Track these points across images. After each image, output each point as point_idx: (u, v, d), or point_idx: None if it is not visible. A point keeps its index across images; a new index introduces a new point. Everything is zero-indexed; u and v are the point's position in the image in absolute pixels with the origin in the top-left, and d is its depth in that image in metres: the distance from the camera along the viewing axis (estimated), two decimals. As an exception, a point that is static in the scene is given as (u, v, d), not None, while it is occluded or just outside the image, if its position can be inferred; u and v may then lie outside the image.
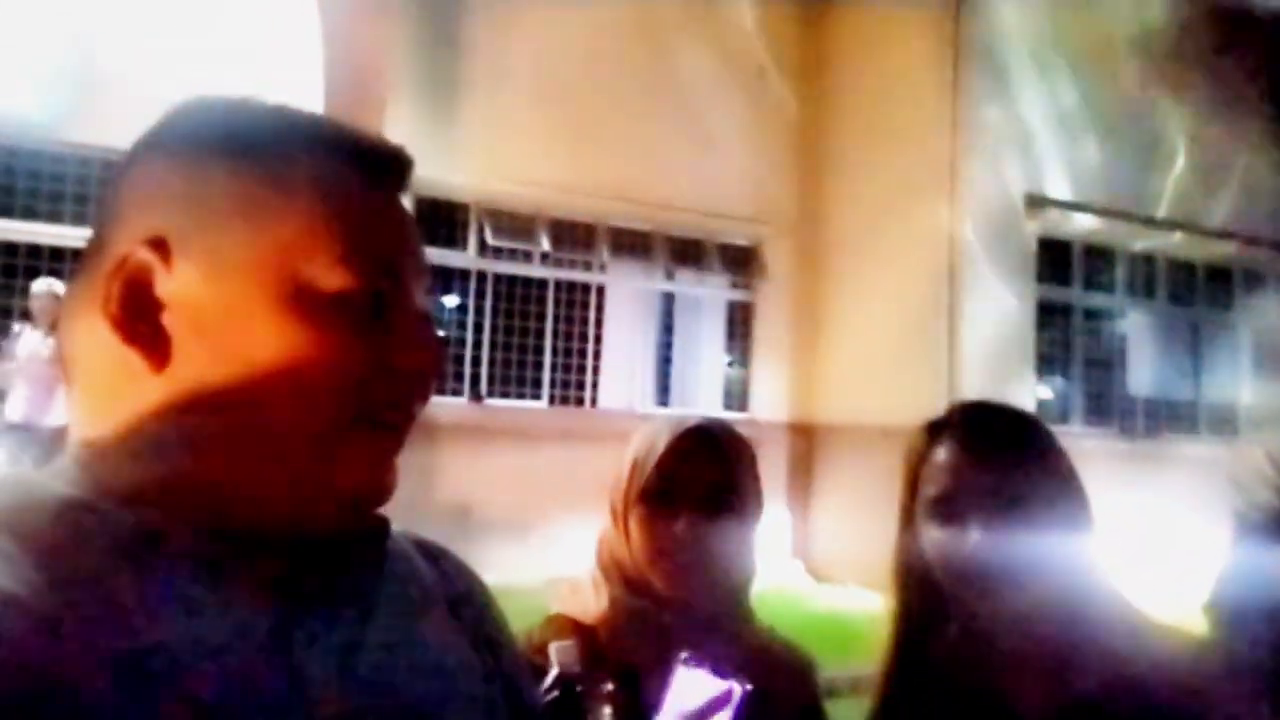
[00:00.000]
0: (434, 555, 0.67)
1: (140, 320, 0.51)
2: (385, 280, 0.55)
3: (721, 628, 1.09)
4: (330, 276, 0.52)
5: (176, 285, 0.52)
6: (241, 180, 0.53)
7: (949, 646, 1.08)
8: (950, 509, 1.05)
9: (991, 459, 1.06)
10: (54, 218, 5.75)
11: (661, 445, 1.11)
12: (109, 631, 0.45)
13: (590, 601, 1.11)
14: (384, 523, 0.61)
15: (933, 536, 1.07)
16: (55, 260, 5.64)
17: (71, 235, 5.61)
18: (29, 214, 5.74)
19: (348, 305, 0.52)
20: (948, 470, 1.07)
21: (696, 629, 1.06)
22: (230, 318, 0.51)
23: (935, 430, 1.11)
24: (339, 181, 0.55)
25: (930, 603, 1.09)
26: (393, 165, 0.59)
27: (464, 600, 0.65)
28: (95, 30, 5.51)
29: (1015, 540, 1.01)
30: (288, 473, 0.52)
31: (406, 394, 0.55)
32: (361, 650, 0.54)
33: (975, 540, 1.02)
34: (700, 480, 1.10)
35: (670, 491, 1.09)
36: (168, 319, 0.51)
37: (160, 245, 0.52)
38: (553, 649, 0.90)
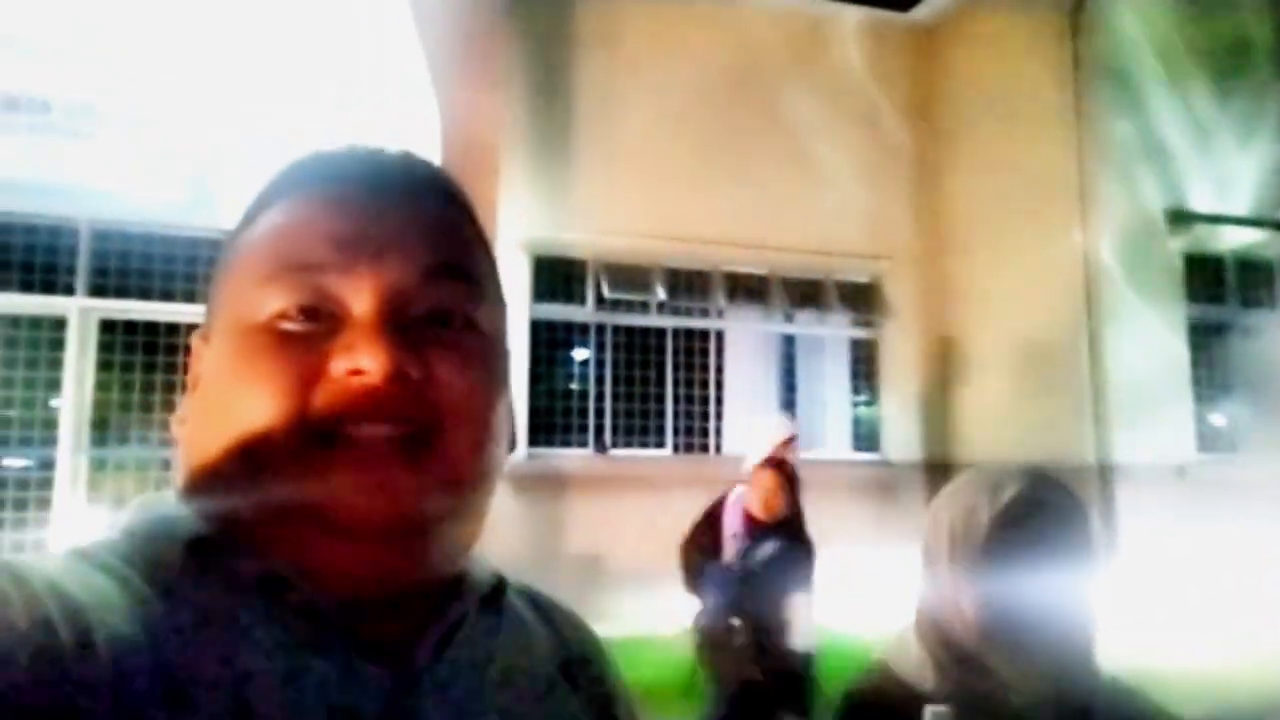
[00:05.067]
0: (548, 612, 0.64)
1: (189, 394, 0.57)
2: (323, 289, 0.51)
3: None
4: (259, 302, 0.51)
5: (204, 358, 0.56)
6: (229, 245, 0.57)
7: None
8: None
9: None
10: (188, 297, 6.14)
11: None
12: (222, 682, 0.44)
13: (916, 659, 1.08)
14: (500, 582, 0.59)
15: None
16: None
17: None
18: (166, 295, 6.16)
19: (282, 326, 0.50)
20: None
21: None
22: (211, 371, 0.54)
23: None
24: (281, 211, 0.54)
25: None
26: (355, 169, 0.56)
27: (579, 661, 0.62)
28: (230, 119, 5.97)
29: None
30: (278, 512, 0.49)
31: (365, 401, 0.49)
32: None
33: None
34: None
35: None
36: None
37: (203, 329, 0.58)
38: (928, 713, 0.90)
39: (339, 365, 0.49)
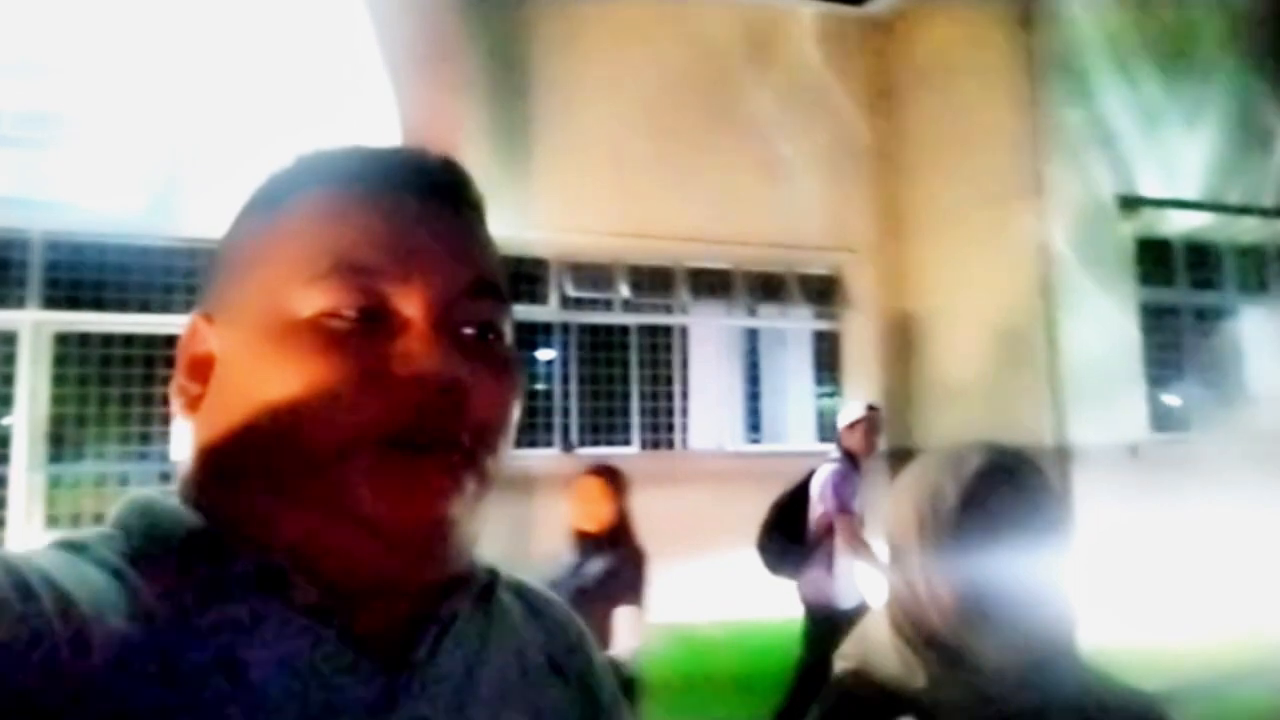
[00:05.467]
0: (535, 604, 0.65)
1: (188, 378, 0.55)
2: (378, 292, 0.51)
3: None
4: (308, 298, 0.51)
5: (215, 341, 0.54)
6: (249, 226, 0.56)
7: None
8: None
9: None
10: (143, 308, 6.03)
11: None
12: (217, 677, 0.45)
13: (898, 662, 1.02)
14: (493, 577, 0.59)
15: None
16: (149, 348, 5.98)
17: (172, 324, 5.96)
18: (121, 306, 6.02)
19: (331, 324, 0.50)
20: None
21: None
22: (237, 359, 0.52)
23: None
24: (324, 203, 0.53)
25: None
26: (402, 172, 0.56)
27: (566, 654, 0.63)
28: (185, 127, 5.88)
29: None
30: (309, 506, 0.49)
31: (421, 407, 0.50)
32: (462, 717, 0.53)
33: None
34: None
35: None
36: (212, 375, 0.54)
37: (209, 309, 0.56)
38: None
39: (399, 370, 0.50)
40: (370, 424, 0.49)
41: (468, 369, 0.51)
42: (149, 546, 0.48)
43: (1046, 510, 0.98)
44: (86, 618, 0.42)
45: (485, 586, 0.58)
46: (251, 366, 0.51)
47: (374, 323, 0.51)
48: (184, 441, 0.56)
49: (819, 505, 3.99)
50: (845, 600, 3.86)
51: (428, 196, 0.55)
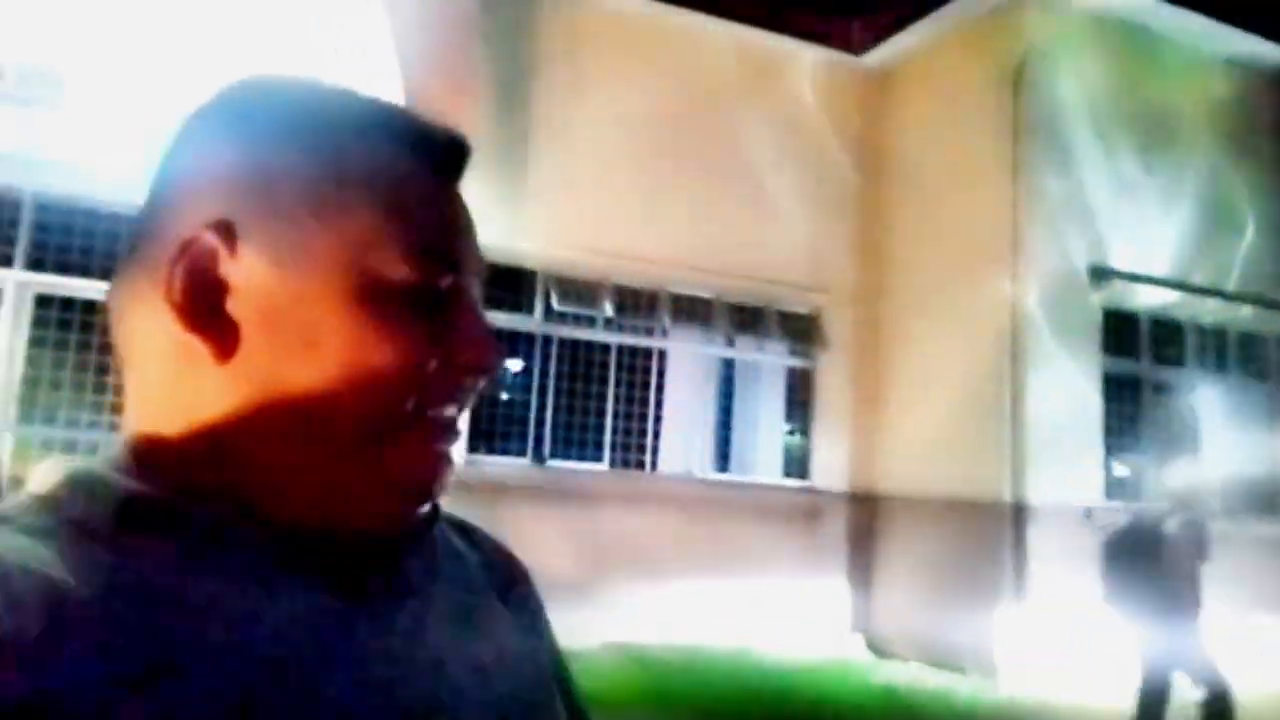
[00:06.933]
0: (473, 537, 0.67)
1: (204, 307, 0.50)
2: (447, 273, 0.54)
3: None
4: (398, 269, 0.51)
5: (242, 271, 0.50)
6: (307, 166, 0.52)
7: None
8: None
9: None
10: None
11: None
12: (166, 631, 0.44)
13: None
14: (435, 510, 0.60)
15: None
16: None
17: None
18: (107, 274, 6.02)
19: (413, 298, 0.51)
20: None
21: None
22: (297, 307, 0.50)
23: None
24: (406, 171, 0.54)
25: None
26: (455, 154, 0.58)
27: (507, 584, 0.65)
28: (187, 96, 5.89)
29: None
30: (347, 465, 0.50)
31: (464, 388, 0.54)
32: (422, 643, 0.53)
33: None
34: None
35: None
36: (232, 306, 0.50)
37: (226, 230, 0.50)
38: None
39: (468, 352, 0.54)
40: (424, 399, 0.52)
41: None
42: (83, 511, 0.47)
43: None
44: (17, 588, 0.42)
45: (429, 519, 0.59)
46: (320, 316, 0.50)
47: (441, 305, 0.53)
48: (184, 383, 0.50)
49: (1191, 554, 4.12)
50: (1211, 663, 3.96)
51: (459, 180, 0.59)
